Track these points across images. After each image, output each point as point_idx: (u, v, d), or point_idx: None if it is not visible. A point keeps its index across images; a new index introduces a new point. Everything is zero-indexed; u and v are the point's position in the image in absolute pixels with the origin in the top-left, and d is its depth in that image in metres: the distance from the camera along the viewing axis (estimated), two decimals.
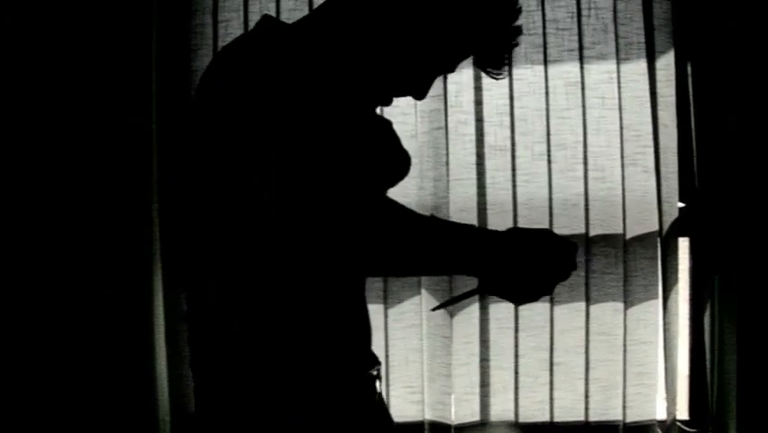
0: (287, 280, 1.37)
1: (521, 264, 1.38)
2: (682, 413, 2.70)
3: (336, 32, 1.44)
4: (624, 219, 2.60)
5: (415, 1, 1.40)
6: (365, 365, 1.50)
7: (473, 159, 2.62)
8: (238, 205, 1.34)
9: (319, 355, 1.41)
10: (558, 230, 2.60)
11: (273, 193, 1.30)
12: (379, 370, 1.54)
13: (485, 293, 1.43)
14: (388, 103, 1.52)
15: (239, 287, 1.38)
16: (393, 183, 1.52)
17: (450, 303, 1.59)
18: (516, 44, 1.49)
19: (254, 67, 1.33)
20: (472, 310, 2.64)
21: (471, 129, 2.61)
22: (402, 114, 2.59)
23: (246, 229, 1.35)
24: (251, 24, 2.63)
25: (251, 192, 1.32)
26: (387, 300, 2.64)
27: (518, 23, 1.47)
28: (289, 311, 1.38)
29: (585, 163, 2.61)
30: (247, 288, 1.37)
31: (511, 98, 2.60)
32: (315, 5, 2.60)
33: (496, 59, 1.48)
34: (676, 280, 2.63)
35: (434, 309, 1.63)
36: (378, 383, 1.53)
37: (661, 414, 2.66)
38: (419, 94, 1.50)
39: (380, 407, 1.55)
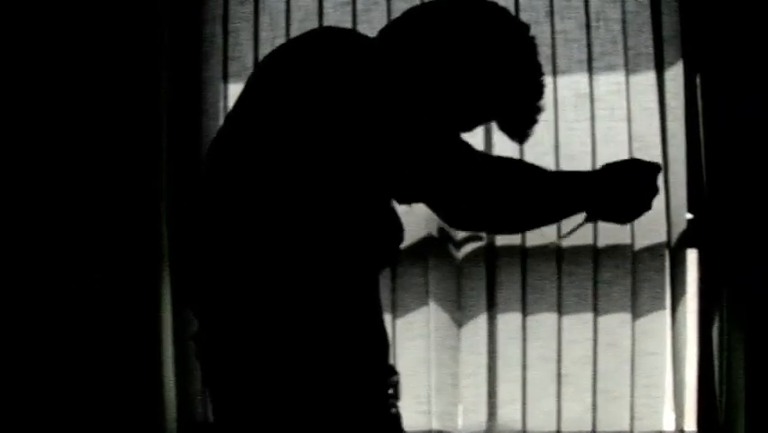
0: (302, 289, 1.38)
1: (622, 191, 1.51)
2: (690, 425, 2.70)
3: (377, 66, 1.46)
4: (632, 230, 2.60)
5: (448, 63, 1.46)
6: (380, 378, 1.50)
7: None
8: (261, 204, 1.36)
9: (332, 365, 1.41)
10: (566, 241, 2.60)
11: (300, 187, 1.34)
12: (394, 384, 1.54)
13: (595, 220, 1.61)
14: None
15: (254, 295, 1.39)
16: (389, 258, 1.56)
17: (569, 234, 1.78)
18: (537, 121, 1.57)
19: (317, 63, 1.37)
20: (480, 321, 2.64)
21: (480, 140, 2.62)
22: None
23: (267, 233, 1.36)
24: (261, 34, 2.65)
25: (280, 185, 1.35)
26: (395, 310, 2.64)
27: (541, 102, 1.56)
28: (304, 321, 1.39)
29: None
30: (262, 295, 1.38)
31: None
32: (325, 18, 2.63)
33: (517, 131, 1.57)
34: (684, 291, 2.63)
35: (561, 237, 1.81)
36: (393, 400, 1.53)
37: (669, 425, 2.65)
38: None
39: (394, 423, 1.55)
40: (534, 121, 1.57)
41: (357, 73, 1.36)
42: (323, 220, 1.36)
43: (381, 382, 1.50)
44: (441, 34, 1.47)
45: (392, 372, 1.54)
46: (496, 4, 1.56)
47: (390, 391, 1.52)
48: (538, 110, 1.57)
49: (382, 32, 1.53)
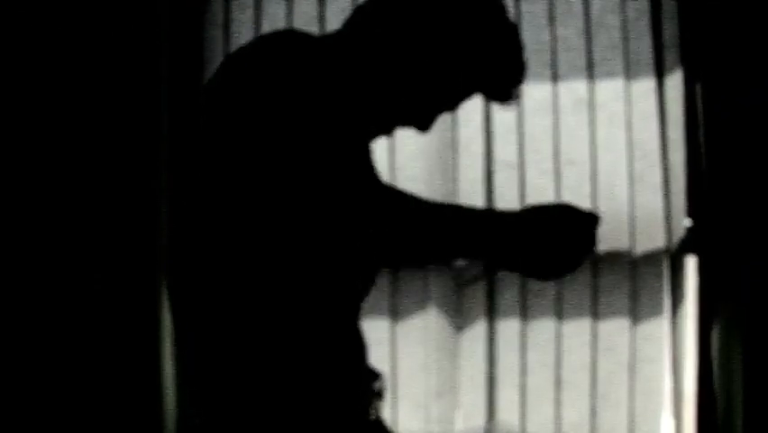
0: (276, 296, 1.38)
1: (535, 241, 1.35)
2: (689, 431, 2.70)
3: (352, 52, 1.45)
4: (631, 236, 2.61)
5: (422, 38, 1.42)
6: (359, 382, 1.49)
7: (482, 175, 2.63)
8: (231, 209, 1.37)
9: (308, 368, 1.41)
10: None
11: (263, 197, 1.34)
12: (376, 387, 1.53)
13: (494, 272, 1.41)
14: (389, 132, 1.54)
15: (230, 302, 1.39)
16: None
17: (468, 283, 1.51)
18: (521, 81, 1.49)
19: (261, 73, 1.34)
20: (479, 326, 2.64)
21: (480, 145, 2.62)
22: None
23: (238, 231, 1.37)
24: None
25: (243, 196, 1.36)
26: (394, 316, 2.65)
27: (522, 58, 1.48)
28: (279, 327, 1.39)
29: (593, 180, 2.61)
30: (237, 302, 1.39)
31: (520, 115, 2.61)
32: (325, 25, 2.64)
33: (501, 94, 1.50)
34: (683, 297, 2.63)
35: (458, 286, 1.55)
36: (374, 404, 1.51)
37: (668, 432, 2.65)
38: (422, 126, 1.51)
39: (376, 427, 1.53)
40: (518, 80, 1.49)
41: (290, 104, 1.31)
42: (292, 230, 1.36)
43: (361, 386, 1.48)
44: (413, 10, 1.41)
45: (374, 376, 1.52)
46: None
47: (371, 395, 1.50)
48: (521, 67, 1.48)
49: (349, 21, 1.48)
